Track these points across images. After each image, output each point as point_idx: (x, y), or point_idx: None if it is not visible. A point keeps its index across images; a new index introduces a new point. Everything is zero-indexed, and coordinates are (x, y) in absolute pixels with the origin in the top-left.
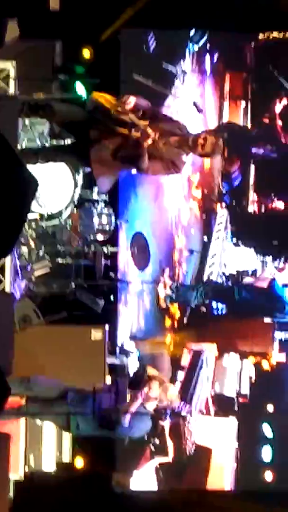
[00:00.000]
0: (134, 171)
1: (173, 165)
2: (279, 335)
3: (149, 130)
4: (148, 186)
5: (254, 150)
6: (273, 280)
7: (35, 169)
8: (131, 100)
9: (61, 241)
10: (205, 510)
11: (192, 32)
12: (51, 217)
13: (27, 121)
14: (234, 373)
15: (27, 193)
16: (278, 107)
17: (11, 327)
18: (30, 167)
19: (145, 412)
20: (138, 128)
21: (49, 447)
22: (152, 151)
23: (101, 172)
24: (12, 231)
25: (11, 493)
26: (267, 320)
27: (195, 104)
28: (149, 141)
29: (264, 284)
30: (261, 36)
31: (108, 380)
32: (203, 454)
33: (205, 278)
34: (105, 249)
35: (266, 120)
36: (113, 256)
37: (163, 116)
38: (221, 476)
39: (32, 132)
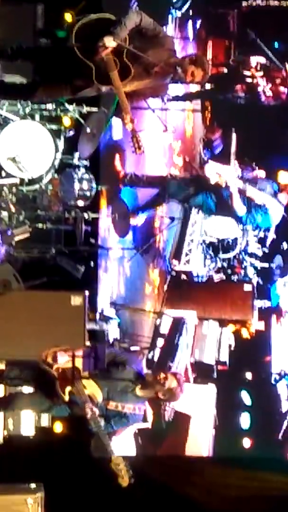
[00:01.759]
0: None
1: (157, 96)
2: (258, 303)
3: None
4: (129, 152)
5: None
6: None
7: (18, 132)
8: (110, 44)
9: (42, 206)
10: (183, 475)
11: None
12: (31, 182)
13: None
14: (213, 341)
15: None
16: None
17: None
18: (13, 125)
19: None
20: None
21: (28, 412)
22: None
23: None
24: None
25: None
26: (247, 287)
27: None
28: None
29: None
30: (244, 3)
31: (88, 346)
32: (182, 420)
33: (185, 246)
34: (85, 215)
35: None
36: (94, 222)
37: (152, 32)
38: (200, 442)
39: None
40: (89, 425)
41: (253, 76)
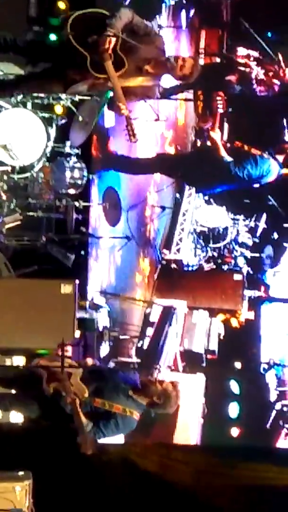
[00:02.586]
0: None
1: (148, 98)
2: (248, 292)
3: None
4: (121, 140)
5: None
6: None
7: (10, 120)
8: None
9: (33, 194)
10: (171, 464)
11: None
12: (23, 170)
13: None
14: (203, 330)
15: None
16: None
17: None
18: (4, 113)
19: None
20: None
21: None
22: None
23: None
24: None
25: None
26: (237, 277)
27: (169, 59)
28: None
29: None
30: None
31: (77, 334)
32: None
33: (176, 235)
34: (76, 203)
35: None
36: (85, 211)
37: (144, 30)
38: (188, 431)
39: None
40: (67, 408)
41: (246, 65)
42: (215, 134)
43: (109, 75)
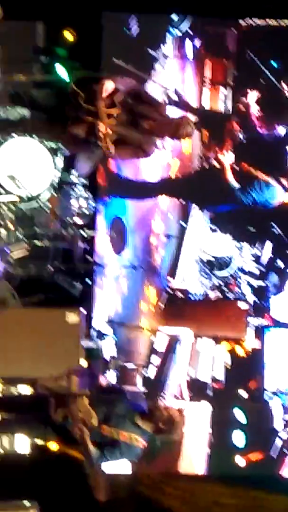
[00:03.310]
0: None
1: (142, 150)
2: (253, 320)
3: (102, 125)
4: (126, 169)
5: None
6: None
7: (16, 150)
8: (108, 86)
9: (39, 224)
10: (177, 493)
11: (174, 17)
12: (29, 199)
13: None
14: (208, 358)
15: None
16: (252, 95)
17: None
18: (10, 143)
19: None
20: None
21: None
22: (119, 138)
23: (75, 151)
24: None
25: None
26: (243, 305)
27: (175, 91)
28: (102, 133)
29: None
30: (243, 22)
31: (83, 363)
32: None
33: (181, 264)
34: (83, 233)
35: (242, 107)
36: (91, 240)
37: (147, 98)
38: (194, 460)
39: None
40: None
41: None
42: (223, 157)
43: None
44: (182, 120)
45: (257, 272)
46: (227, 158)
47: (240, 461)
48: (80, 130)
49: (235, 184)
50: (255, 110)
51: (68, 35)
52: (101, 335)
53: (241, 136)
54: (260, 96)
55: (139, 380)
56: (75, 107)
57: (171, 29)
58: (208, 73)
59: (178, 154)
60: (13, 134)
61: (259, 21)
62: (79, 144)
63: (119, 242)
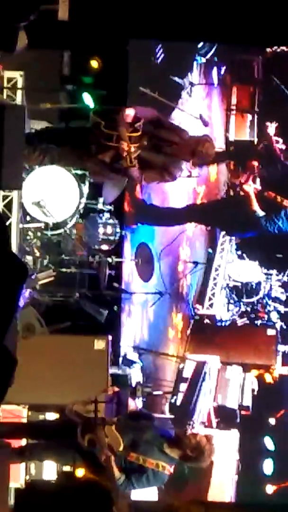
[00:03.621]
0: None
1: (168, 173)
2: (282, 347)
3: (125, 143)
4: (154, 196)
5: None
6: None
7: (43, 177)
8: (129, 113)
9: (66, 251)
10: None
11: (200, 45)
12: (56, 226)
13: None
14: (236, 385)
15: (17, 283)
16: (271, 129)
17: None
18: (38, 171)
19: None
20: (123, 141)
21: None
22: (145, 161)
23: (101, 179)
24: (3, 322)
25: (12, 501)
26: (271, 332)
27: (201, 117)
28: (125, 151)
29: None
30: (268, 49)
31: (111, 390)
32: None
33: (209, 290)
34: (109, 259)
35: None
36: (118, 266)
37: (168, 124)
38: (223, 488)
39: None
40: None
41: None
42: (248, 187)
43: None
44: (202, 138)
45: (284, 298)
46: (252, 186)
47: (268, 488)
48: (105, 157)
49: (260, 212)
50: (278, 140)
51: (95, 63)
52: (128, 362)
53: (266, 164)
54: (282, 127)
55: (166, 407)
56: (97, 135)
57: (197, 57)
58: (234, 100)
59: (205, 181)
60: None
61: (284, 48)
62: (105, 171)
63: (146, 268)
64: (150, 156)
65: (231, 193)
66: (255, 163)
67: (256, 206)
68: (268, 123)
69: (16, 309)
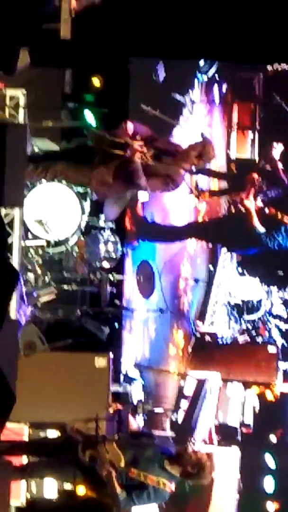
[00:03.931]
0: (142, 197)
1: (171, 180)
2: (283, 365)
3: (138, 146)
4: (155, 214)
5: (260, 197)
6: None
7: (45, 195)
8: (130, 127)
9: (67, 268)
10: None
11: (201, 62)
12: (57, 243)
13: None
14: (237, 403)
15: (9, 287)
16: (276, 152)
17: (16, 353)
18: (40, 188)
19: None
20: (131, 148)
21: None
22: (147, 168)
23: (104, 195)
24: None
25: None
26: (272, 349)
27: (202, 134)
28: (138, 155)
29: None
30: (269, 67)
31: (112, 407)
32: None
33: (210, 307)
34: (110, 277)
35: (268, 167)
36: (119, 284)
37: (163, 138)
38: (224, 506)
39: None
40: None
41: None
42: (249, 203)
43: None
44: (198, 142)
45: (286, 316)
46: (253, 202)
47: (269, 506)
48: (110, 166)
49: (261, 229)
50: (279, 159)
51: (96, 82)
52: (129, 379)
53: (266, 181)
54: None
55: (167, 424)
56: (101, 147)
57: (198, 74)
58: (235, 117)
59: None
60: (42, 180)
61: (285, 66)
62: (108, 183)
63: (147, 285)
64: (153, 165)
65: (233, 210)
66: (256, 176)
67: (256, 222)
68: (274, 144)
69: (6, 312)
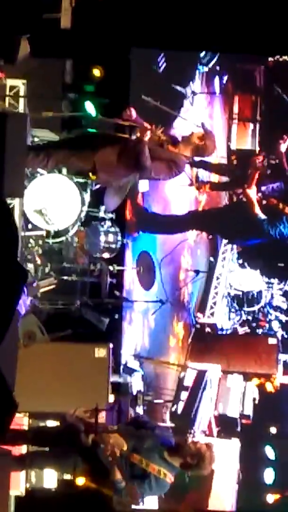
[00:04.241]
0: (142, 187)
1: (175, 164)
2: (283, 356)
3: (146, 123)
4: (155, 204)
5: (263, 188)
6: None
7: (45, 185)
8: (133, 113)
9: (67, 259)
10: None
11: (202, 54)
12: (57, 234)
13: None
14: (237, 394)
15: (17, 286)
16: (283, 146)
17: (16, 343)
18: (40, 178)
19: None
20: (137, 130)
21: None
22: (152, 152)
23: (106, 180)
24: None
25: (12, 509)
26: (272, 341)
27: (203, 126)
28: (148, 134)
29: None
30: (270, 58)
31: (111, 398)
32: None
33: (210, 299)
34: (110, 267)
35: (272, 160)
36: (119, 275)
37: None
38: (223, 497)
39: None
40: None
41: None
42: (251, 191)
43: None
44: (199, 132)
45: (286, 307)
46: (255, 190)
47: (269, 497)
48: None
49: (262, 216)
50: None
51: (97, 72)
52: (129, 370)
53: (268, 171)
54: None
55: (167, 415)
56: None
57: (199, 66)
58: (236, 109)
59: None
60: (43, 169)
61: (286, 57)
62: (111, 168)
63: (147, 277)
64: (157, 149)
65: (234, 199)
66: (260, 158)
67: (258, 210)
68: (281, 141)
69: (15, 311)
